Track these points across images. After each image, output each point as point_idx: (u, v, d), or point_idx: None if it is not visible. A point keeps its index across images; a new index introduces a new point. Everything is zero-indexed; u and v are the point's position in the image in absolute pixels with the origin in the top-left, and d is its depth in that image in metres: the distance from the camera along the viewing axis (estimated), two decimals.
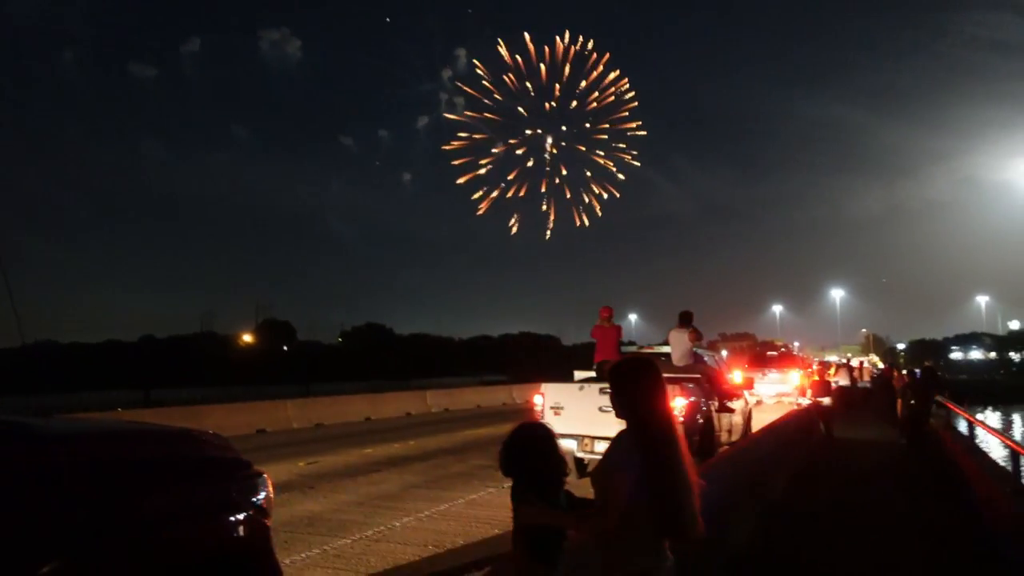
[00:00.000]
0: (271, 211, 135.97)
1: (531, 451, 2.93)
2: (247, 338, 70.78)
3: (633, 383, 2.73)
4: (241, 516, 3.42)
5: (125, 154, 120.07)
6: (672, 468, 2.56)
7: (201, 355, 54.70)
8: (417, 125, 56.37)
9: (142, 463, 3.20)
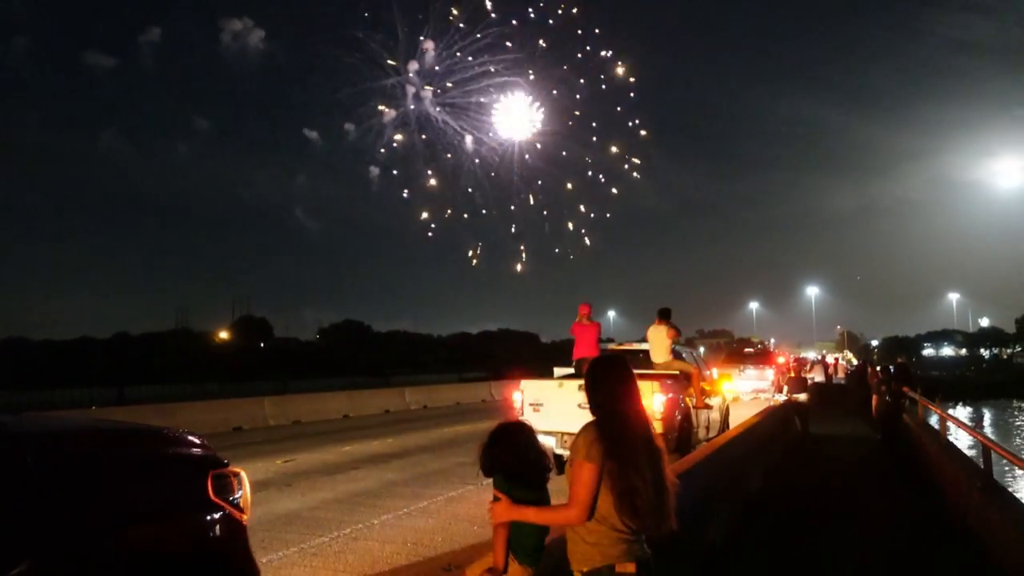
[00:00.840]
0: (238, 205, 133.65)
1: (511, 450, 2.94)
2: (223, 335, 70.05)
3: (604, 380, 2.79)
4: (217, 515, 3.38)
5: (83, 146, 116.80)
6: (635, 463, 2.58)
7: (176, 352, 54.02)
8: (384, 119, 54.98)
9: (114, 462, 3.16)
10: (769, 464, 11.13)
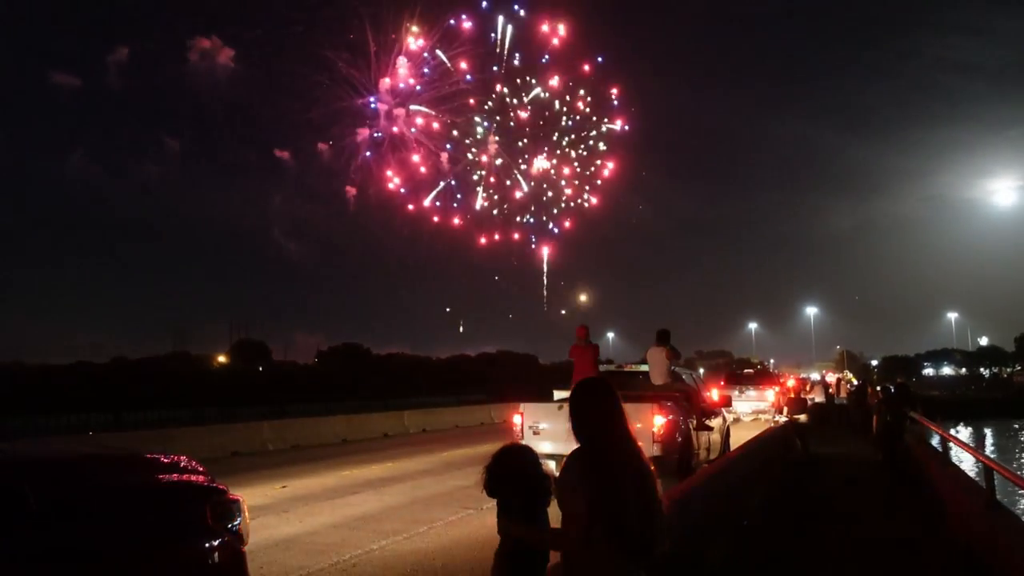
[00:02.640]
0: (216, 227, 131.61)
1: (515, 473, 2.94)
2: (221, 359, 69.85)
3: (585, 405, 2.75)
4: (216, 542, 3.37)
5: (53, 168, 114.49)
6: (620, 486, 2.53)
7: (174, 377, 53.79)
8: (357, 139, 55.10)
9: (111, 490, 3.14)
10: (769, 485, 11.07)
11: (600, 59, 56.72)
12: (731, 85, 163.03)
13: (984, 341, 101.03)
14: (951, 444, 12.30)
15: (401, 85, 53.38)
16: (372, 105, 53.91)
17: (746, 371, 35.80)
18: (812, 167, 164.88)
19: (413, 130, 54.54)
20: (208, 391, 46.78)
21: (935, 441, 15.63)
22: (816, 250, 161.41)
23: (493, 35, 52.33)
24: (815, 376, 60.38)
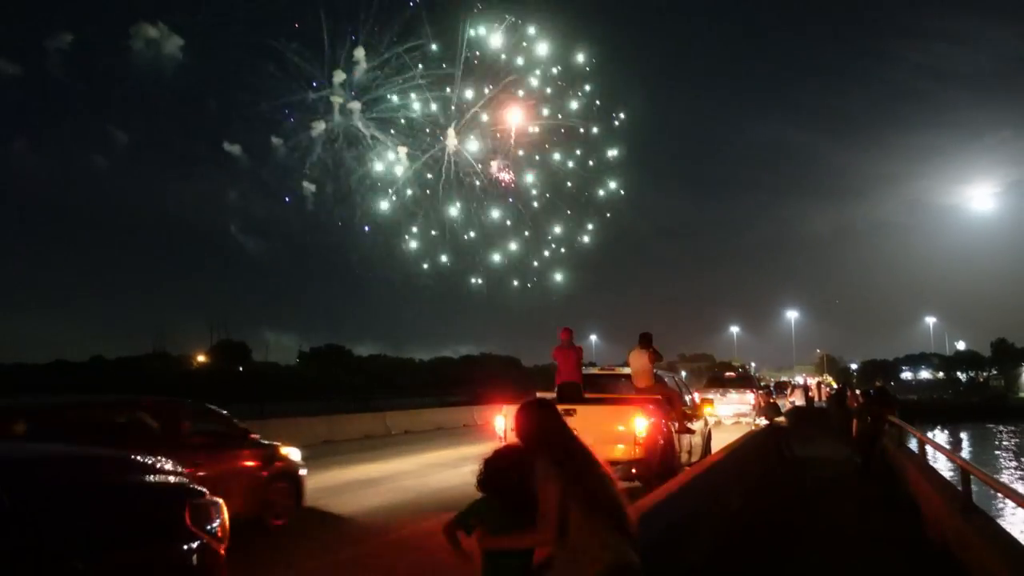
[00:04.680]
0: (176, 224, 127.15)
1: (510, 473, 2.99)
2: (201, 359, 69.13)
3: (535, 421, 3.10)
4: (194, 544, 3.33)
5: None
6: (589, 472, 2.90)
7: (152, 376, 53.18)
8: (312, 133, 54.07)
9: (88, 490, 3.10)
10: (749, 487, 11.14)
11: (577, 59, 56.36)
12: (710, 88, 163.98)
13: (961, 346, 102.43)
14: (928, 447, 12.44)
15: (357, 77, 52.54)
16: (325, 98, 53.12)
17: (728, 374, 35.98)
18: (792, 171, 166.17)
19: (369, 125, 53.88)
20: (188, 391, 46.27)
21: (913, 444, 15.80)
22: (796, 253, 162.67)
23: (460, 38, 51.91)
24: (798, 379, 60.92)
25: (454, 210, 58.23)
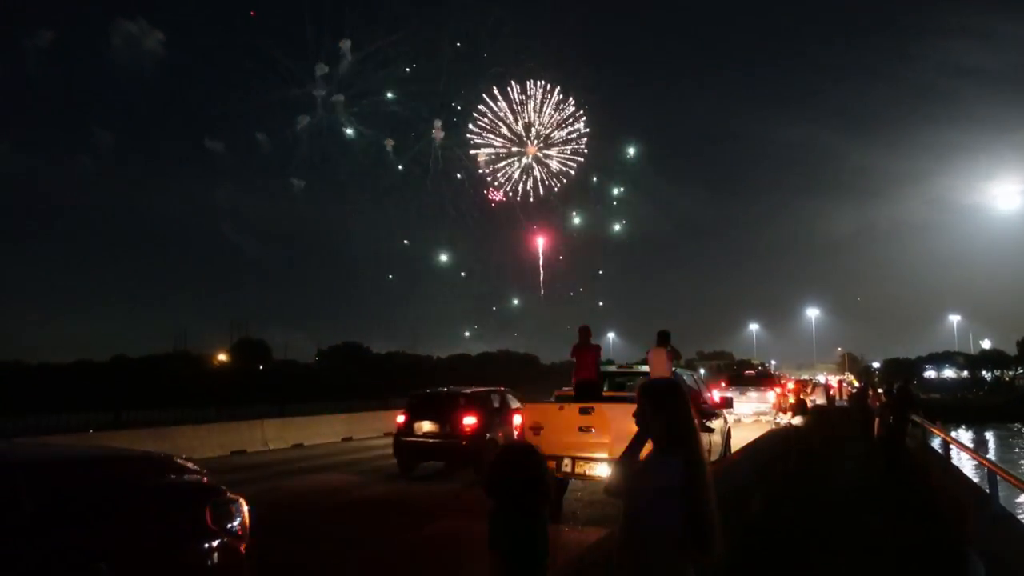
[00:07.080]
0: (169, 223, 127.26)
1: (519, 473, 2.87)
2: (222, 358, 69.78)
3: (672, 401, 2.94)
4: (215, 543, 3.34)
5: None
6: (709, 485, 2.78)
7: (174, 376, 53.71)
8: (297, 127, 53.90)
9: (109, 490, 3.12)
10: (770, 488, 11.03)
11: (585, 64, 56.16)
12: (733, 88, 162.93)
13: (986, 344, 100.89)
14: (952, 448, 12.24)
15: (341, 71, 52.47)
16: (308, 93, 53.01)
17: (747, 372, 35.71)
18: (814, 170, 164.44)
19: (354, 120, 53.89)
20: (209, 390, 46.67)
21: (936, 444, 15.57)
22: (818, 253, 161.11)
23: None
24: (820, 378, 60.33)
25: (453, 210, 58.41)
